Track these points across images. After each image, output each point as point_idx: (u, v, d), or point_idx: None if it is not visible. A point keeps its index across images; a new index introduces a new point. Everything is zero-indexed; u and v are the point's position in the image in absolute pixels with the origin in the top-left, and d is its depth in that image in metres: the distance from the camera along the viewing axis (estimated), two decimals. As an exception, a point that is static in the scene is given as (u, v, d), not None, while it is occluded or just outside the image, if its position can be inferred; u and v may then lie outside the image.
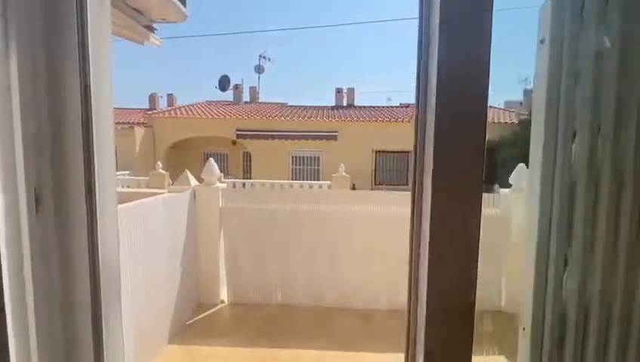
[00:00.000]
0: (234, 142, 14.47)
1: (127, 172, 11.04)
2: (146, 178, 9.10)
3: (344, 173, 9.50)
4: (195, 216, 3.78)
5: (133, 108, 18.72)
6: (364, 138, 13.38)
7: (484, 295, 3.93)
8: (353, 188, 11.15)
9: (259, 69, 20.98)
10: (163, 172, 8.81)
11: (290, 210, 3.90)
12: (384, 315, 3.85)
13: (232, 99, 19.01)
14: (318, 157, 13.58)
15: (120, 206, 0.67)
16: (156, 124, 13.72)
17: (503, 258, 3.99)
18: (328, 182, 9.46)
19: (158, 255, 2.82)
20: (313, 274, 3.97)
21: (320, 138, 13.21)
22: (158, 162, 8.93)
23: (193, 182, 3.99)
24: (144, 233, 2.57)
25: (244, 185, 9.63)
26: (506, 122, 13.39)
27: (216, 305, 3.91)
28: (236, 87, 18.93)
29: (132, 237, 2.40)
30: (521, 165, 4.03)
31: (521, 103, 19.50)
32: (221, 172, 12.51)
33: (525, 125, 11.97)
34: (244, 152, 15.10)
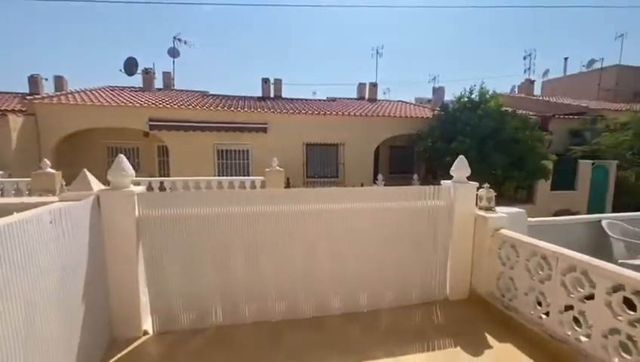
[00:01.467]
0: (146, 135, 12.67)
1: (1, 172, 8.79)
2: (28, 179, 7.25)
3: (278, 167, 9.01)
4: (100, 231, 2.91)
5: (6, 92, 15.13)
6: (295, 131, 13.00)
7: (430, 284, 3.96)
8: (287, 182, 10.72)
9: (173, 52, 18.86)
10: (52, 171, 7.10)
11: (226, 213, 3.30)
12: (339, 321, 3.57)
13: (141, 85, 16.71)
14: (247, 151, 12.73)
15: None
16: (40, 112, 11.15)
17: (447, 247, 4.05)
18: (261, 177, 8.85)
19: (45, 286, 2.02)
20: (257, 284, 3.46)
21: (249, 130, 12.37)
22: (45, 159, 7.16)
23: (97, 185, 3.08)
24: (22, 260, 1.78)
25: (162, 184, 8.41)
26: (421, 117, 14.40)
27: (137, 338, 3.11)
28: (146, 71, 16.67)
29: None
30: (461, 156, 4.12)
31: (429, 100, 21.68)
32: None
33: (438, 118, 13.06)
34: (159, 146, 13.35)
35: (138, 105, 12.01)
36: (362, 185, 12.00)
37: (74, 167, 5.69)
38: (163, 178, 9.09)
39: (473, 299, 4.02)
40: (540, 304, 3.27)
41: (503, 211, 4.07)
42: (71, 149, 12.14)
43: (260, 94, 17.22)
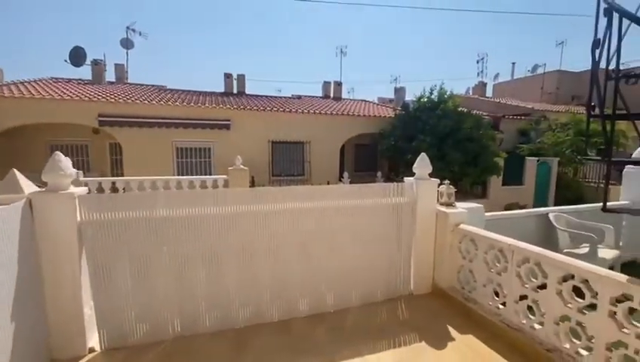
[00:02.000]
0: (96, 131, 11.72)
1: None
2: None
3: (242, 166, 8.72)
4: (33, 239, 2.57)
5: None
6: (260, 128, 12.69)
7: (395, 280, 4.00)
8: (252, 181, 10.44)
9: (127, 43, 17.64)
10: (-19, 172, 6.28)
11: (184, 215, 3.07)
12: (306, 323, 3.48)
13: (90, 78, 15.44)
14: (209, 149, 12.21)
15: None
16: (-33, 105, 9.85)
17: (410, 243, 4.11)
18: (224, 176, 8.52)
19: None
20: (219, 289, 3.27)
21: (211, 127, 11.86)
22: (-30, 158, 6.30)
23: (29, 187, 2.72)
24: None
25: (113, 184, 7.79)
26: (384, 116, 14.72)
27: (81, 357, 2.79)
28: (95, 62, 15.43)
29: None
30: (423, 154, 4.20)
31: (391, 100, 22.35)
32: (80, 168, 9.99)
33: (400, 117, 13.44)
34: (111, 143, 12.42)
35: (86, 98, 11.02)
36: (329, 183, 12.02)
37: (9, 166, 5.07)
38: (115, 178, 8.43)
39: (436, 293, 4.12)
40: (497, 295, 3.42)
41: (462, 206, 4.21)
42: (9, 148, 10.88)
43: (222, 90, 16.63)
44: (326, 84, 19.32)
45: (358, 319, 3.58)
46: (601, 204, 2.65)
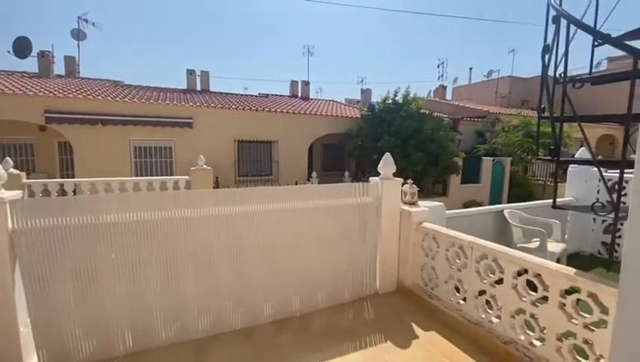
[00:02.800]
0: (43, 129, 10.74)
1: None
2: None
3: (205, 166, 8.38)
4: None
5: None
6: (225, 127, 12.30)
7: (361, 280, 4.00)
8: (216, 181, 10.08)
9: (78, 35, 16.35)
10: None
11: (136, 220, 2.85)
12: (270, 328, 3.37)
13: (36, 71, 14.16)
14: (170, 148, 11.63)
15: None
16: None
17: (376, 242, 4.14)
18: (186, 177, 8.14)
19: None
20: (176, 297, 3.07)
21: (172, 125, 11.30)
22: None
23: (-53, 191, 2.37)
24: None
25: (62, 186, 7.16)
26: (351, 116, 14.88)
27: (15, 382, 2.49)
28: (42, 54, 14.16)
29: None
30: (387, 154, 4.25)
31: (357, 101, 22.76)
32: (23, 169, 9.10)
33: (366, 118, 13.67)
34: (60, 142, 11.44)
35: (31, 93, 10.00)
36: (297, 183, 11.91)
37: None
38: (64, 180, 7.74)
39: (401, 291, 4.19)
40: (458, 291, 3.52)
41: (425, 205, 4.31)
42: None
43: (184, 87, 15.93)
44: (293, 83, 19.19)
45: (324, 322, 3.53)
46: (550, 200, 2.80)
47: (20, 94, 9.88)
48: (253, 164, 13.12)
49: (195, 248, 3.10)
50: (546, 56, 2.34)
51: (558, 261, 4.83)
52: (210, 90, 16.41)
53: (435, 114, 14.19)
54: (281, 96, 18.79)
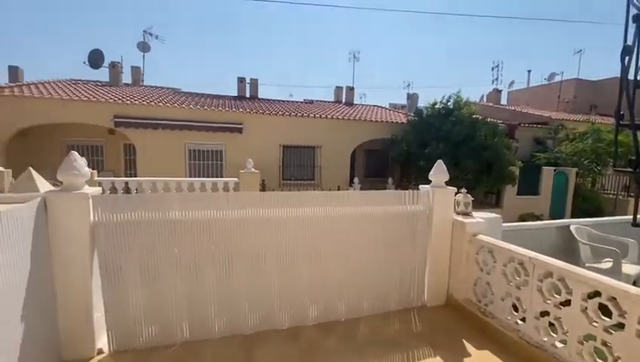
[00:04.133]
0: (112, 132, 11.93)
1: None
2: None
3: (253, 169, 8.73)
4: (46, 239, 2.56)
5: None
6: (272, 132, 12.73)
7: (408, 290, 3.88)
8: (263, 184, 10.44)
9: (143, 47, 18.00)
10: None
11: (198, 219, 3.04)
12: (316, 331, 3.40)
13: (107, 80, 15.81)
14: (221, 151, 12.29)
15: None
16: (-11, 104, 10.16)
17: (425, 253, 4.00)
18: (235, 179, 8.53)
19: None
20: (230, 294, 3.21)
21: (223, 130, 11.95)
22: (-10, 156, 6.46)
23: (44, 186, 2.72)
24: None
25: (126, 184, 7.88)
26: (396, 121, 14.59)
27: (89, 359, 2.77)
28: (113, 65, 15.78)
29: None
30: (439, 161, 4.09)
31: (403, 106, 22.23)
32: (94, 168, 10.14)
33: (413, 123, 13.30)
34: (126, 144, 12.62)
35: (103, 100, 11.25)
36: (339, 188, 11.94)
37: (27, 165, 5.16)
38: (128, 178, 8.53)
39: (451, 305, 3.99)
40: (516, 309, 3.27)
41: (480, 216, 4.08)
42: (26, 146, 11.17)
43: (235, 94, 16.79)
44: (338, 89, 19.32)
45: (369, 329, 3.47)
46: (625, 216, 2.51)
47: (95, 101, 11.12)
48: (297, 168, 13.40)
49: (248, 247, 3.23)
50: (626, 58, 2.12)
51: (634, 284, 4.28)
52: (259, 96, 17.10)
53: (489, 119, 13.40)
54: (325, 102, 19.02)
